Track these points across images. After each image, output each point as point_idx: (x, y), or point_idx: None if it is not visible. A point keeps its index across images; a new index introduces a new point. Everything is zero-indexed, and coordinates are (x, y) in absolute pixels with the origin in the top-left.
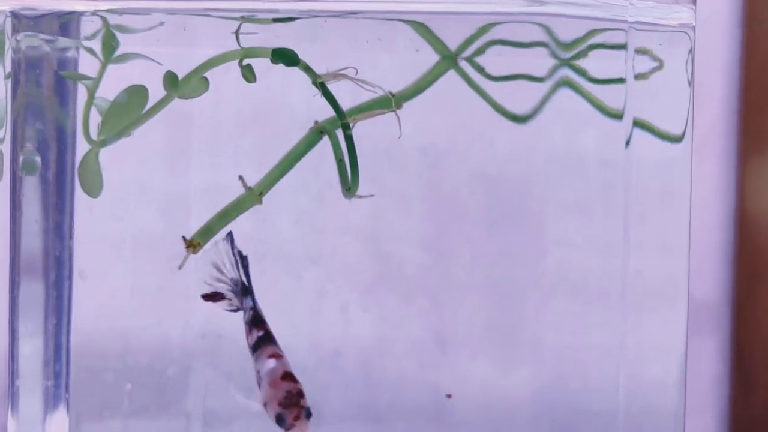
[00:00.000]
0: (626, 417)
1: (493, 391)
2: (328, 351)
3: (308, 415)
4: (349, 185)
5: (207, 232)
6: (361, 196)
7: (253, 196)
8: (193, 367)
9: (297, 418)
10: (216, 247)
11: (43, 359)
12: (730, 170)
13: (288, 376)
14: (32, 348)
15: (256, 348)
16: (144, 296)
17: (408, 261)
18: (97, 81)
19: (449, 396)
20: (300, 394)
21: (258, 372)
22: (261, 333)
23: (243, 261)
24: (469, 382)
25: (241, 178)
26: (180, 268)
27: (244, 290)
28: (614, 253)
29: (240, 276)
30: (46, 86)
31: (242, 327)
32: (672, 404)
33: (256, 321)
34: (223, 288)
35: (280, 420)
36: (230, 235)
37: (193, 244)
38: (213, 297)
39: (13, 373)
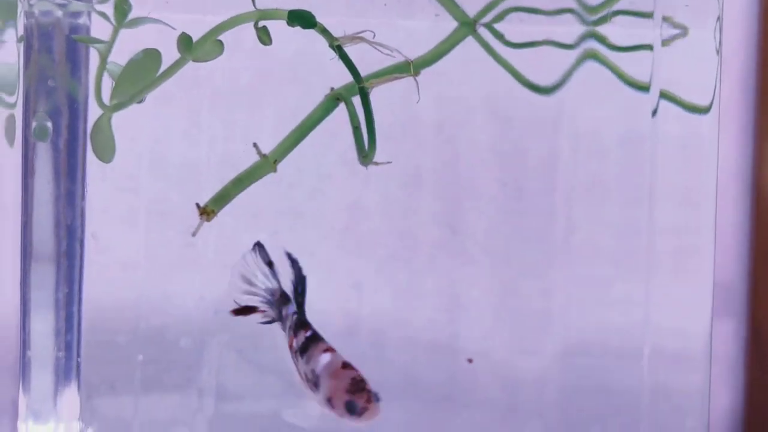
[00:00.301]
0: (652, 394)
1: (511, 370)
2: (341, 328)
3: (377, 398)
4: (366, 152)
5: (221, 198)
6: (377, 163)
7: (267, 163)
8: (206, 342)
9: (368, 401)
10: (244, 260)
11: (54, 329)
12: (746, 148)
13: (347, 365)
14: (43, 318)
15: (305, 349)
16: (157, 268)
17: (424, 237)
18: (110, 45)
19: (470, 360)
20: (364, 381)
21: (312, 371)
22: (309, 333)
23: (294, 266)
24: (486, 360)
25: (255, 145)
26: (194, 235)
27: (284, 298)
28: (638, 229)
29: (278, 284)
30: (58, 52)
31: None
32: (698, 382)
33: (302, 324)
34: (254, 301)
35: (351, 407)
36: (260, 245)
37: (207, 211)
38: (244, 311)
39: (24, 344)
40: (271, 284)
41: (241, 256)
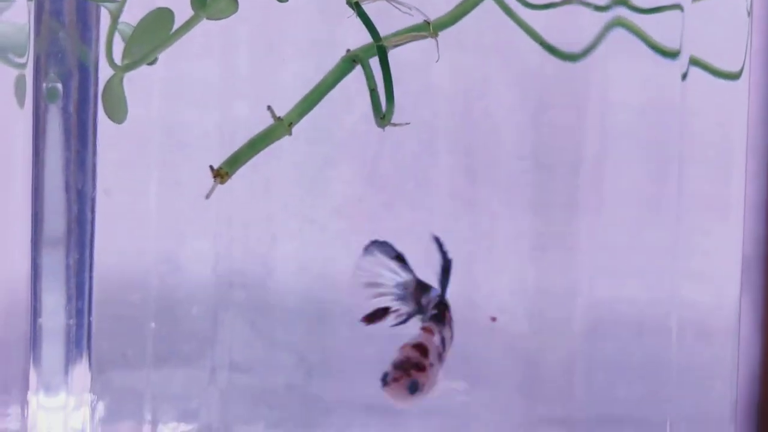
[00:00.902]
0: (679, 367)
1: (531, 343)
2: (352, 305)
3: (413, 388)
4: (383, 114)
5: (235, 160)
6: (395, 124)
7: (282, 126)
8: (219, 315)
9: (396, 380)
10: (359, 267)
11: (65, 296)
12: (763, 122)
13: (420, 348)
14: (54, 284)
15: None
16: (169, 237)
17: (438, 210)
18: (121, 4)
19: (494, 319)
20: (418, 367)
21: None
22: (434, 312)
23: (441, 249)
24: (505, 334)
25: (269, 108)
26: (207, 197)
27: (422, 287)
28: (667, 201)
29: (413, 275)
30: (69, 12)
31: (268, 273)
32: (726, 353)
33: (441, 304)
34: (385, 301)
35: (383, 376)
36: (380, 242)
37: (220, 174)
38: (374, 316)
39: (35, 311)
40: (402, 277)
41: (354, 266)
